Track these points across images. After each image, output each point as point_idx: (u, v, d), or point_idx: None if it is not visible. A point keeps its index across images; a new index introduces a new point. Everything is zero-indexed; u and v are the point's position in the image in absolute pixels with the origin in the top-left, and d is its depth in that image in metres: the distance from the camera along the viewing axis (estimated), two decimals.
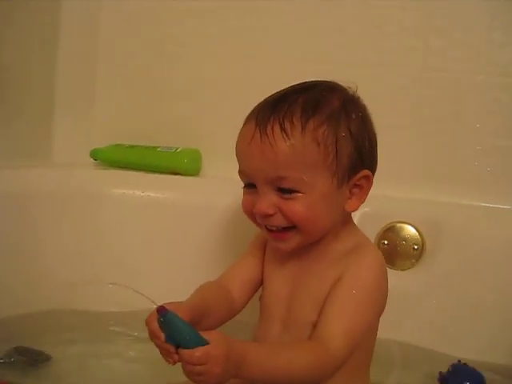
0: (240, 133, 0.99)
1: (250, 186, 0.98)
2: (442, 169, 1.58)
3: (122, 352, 1.31)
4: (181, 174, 1.68)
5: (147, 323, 0.83)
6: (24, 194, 1.45)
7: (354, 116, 0.97)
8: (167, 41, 1.79)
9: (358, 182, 0.98)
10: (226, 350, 0.79)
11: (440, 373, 1.20)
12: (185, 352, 0.78)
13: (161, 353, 0.83)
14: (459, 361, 1.21)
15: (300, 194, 0.94)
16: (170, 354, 0.80)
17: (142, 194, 1.54)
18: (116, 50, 1.82)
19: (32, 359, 1.21)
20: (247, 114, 1.00)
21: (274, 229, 0.97)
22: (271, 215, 0.95)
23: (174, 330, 0.79)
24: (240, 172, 0.99)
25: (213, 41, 1.74)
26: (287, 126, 0.92)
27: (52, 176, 1.55)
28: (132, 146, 1.76)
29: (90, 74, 1.82)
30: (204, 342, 0.78)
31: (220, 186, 1.59)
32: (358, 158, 0.97)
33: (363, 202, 1.00)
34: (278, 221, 0.96)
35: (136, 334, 1.36)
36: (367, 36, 1.62)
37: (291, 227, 0.96)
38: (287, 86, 1.01)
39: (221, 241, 1.49)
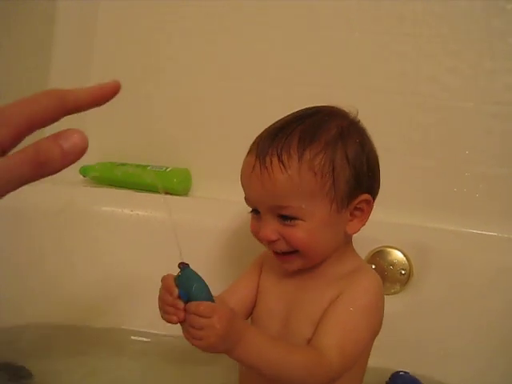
0: (243, 163, 1.03)
1: (255, 211, 1.02)
2: (430, 194, 1.59)
3: (105, 368, 1.30)
4: (170, 194, 1.67)
5: (163, 279, 0.88)
6: (11, 208, 1.44)
7: (351, 142, 0.99)
8: (159, 59, 1.80)
9: (358, 206, 1.00)
10: (232, 314, 0.84)
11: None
12: (193, 303, 0.82)
13: (165, 312, 0.86)
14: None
15: (300, 221, 0.97)
16: (178, 311, 0.84)
17: (130, 213, 1.53)
18: (107, 68, 1.83)
19: (13, 375, 1.20)
20: (243, 145, 1.04)
21: (279, 251, 1.01)
22: (274, 241, 0.99)
23: (191, 283, 0.83)
24: (245, 199, 1.03)
25: (205, 60, 1.75)
26: (284, 157, 0.95)
27: (41, 192, 1.54)
28: (122, 164, 1.76)
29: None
30: (213, 301, 0.83)
31: (209, 206, 1.59)
32: (357, 182, 0.99)
33: (364, 225, 1.03)
34: (281, 246, 1.00)
35: (124, 352, 1.36)
36: (358, 60, 1.63)
37: (294, 251, 1.00)
38: (288, 114, 1.04)
39: (209, 260, 1.49)
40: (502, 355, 1.36)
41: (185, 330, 0.85)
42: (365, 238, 1.13)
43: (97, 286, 1.48)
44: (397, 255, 1.44)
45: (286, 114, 1.05)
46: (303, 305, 1.02)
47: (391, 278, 1.42)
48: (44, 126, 0.53)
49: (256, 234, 1.02)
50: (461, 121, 1.57)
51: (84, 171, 1.78)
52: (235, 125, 1.72)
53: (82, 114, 1.78)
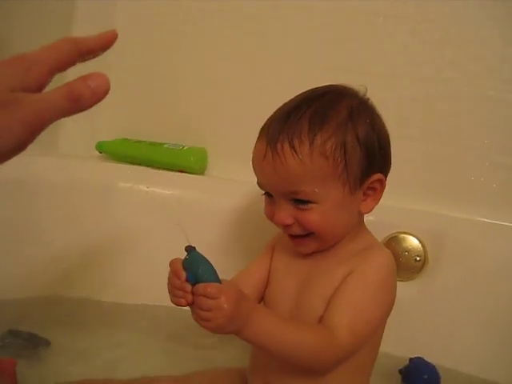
0: (254, 149, 1.02)
1: (269, 194, 1.02)
2: (448, 182, 1.58)
3: (123, 342, 1.32)
4: (186, 172, 1.67)
5: (171, 263, 0.89)
6: (27, 181, 1.46)
7: (361, 122, 0.98)
8: (177, 39, 1.79)
9: (371, 185, 1.00)
10: (239, 295, 0.85)
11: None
12: (201, 285, 0.83)
13: (174, 295, 0.87)
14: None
15: (314, 205, 0.97)
16: (186, 294, 0.85)
17: (146, 190, 1.53)
18: (126, 46, 1.81)
19: (29, 342, 1.21)
20: (260, 125, 1.03)
21: (294, 234, 1.01)
22: (289, 225, 0.99)
23: (197, 266, 0.84)
24: (258, 184, 1.03)
25: (222, 41, 1.74)
26: (296, 143, 0.94)
27: (56, 165, 1.55)
28: (138, 141, 1.76)
29: (99, 68, 1.81)
30: (220, 282, 0.84)
31: (225, 186, 1.59)
32: (369, 162, 0.98)
33: (378, 203, 1.03)
34: (296, 230, 1.00)
35: (137, 325, 1.37)
36: (381, 46, 1.61)
37: (309, 234, 1.00)
38: (296, 94, 1.03)
39: (224, 240, 1.49)
40: None
41: (193, 312, 0.85)
42: (380, 223, 1.13)
43: (111, 261, 1.49)
44: (412, 241, 1.43)
45: None
46: (315, 283, 1.02)
47: (406, 264, 1.41)
48: (66, 69, 0.65)
49: (271, 217, 1.02)
50: (482, 109, 1.56)
51: (100, 147, 1.78)
52: (253, 106, 1.70)
53: None
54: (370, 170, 0.99)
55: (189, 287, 0.85)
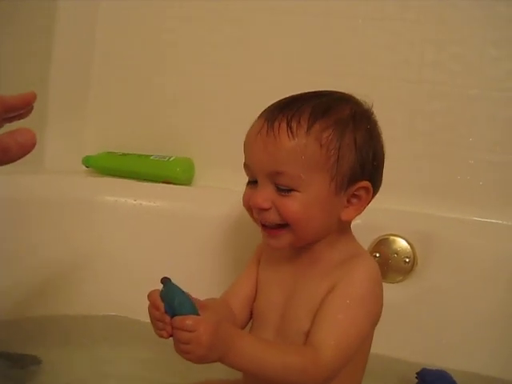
0: (251, 126, 1.02)
1: (252, 182, 1.01)
2: (434, 182, 1.58)
3: (114, 357, 1.31)
4: (173, 183, 1.67)
5: (149, 295, 0.89)
6: (15, 199, 1.45)
7: (361, 128, 0.99)
8: (161, 49, 1.79)
9: (356, 192, 0.99)
10: (217, 324, 0.83)
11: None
12: (178, 318, 0.82)
13: (156, 327, 0.87)
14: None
15: (296, 193, 0.95)
16: (166, 326, 0.85)
17: (134, 202, 1.53)
18: (110, 58, 1.82)
19: (17, 362, 1.20)
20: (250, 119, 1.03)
21: (268, 224, 0.99)
22: (266, 209, 0.97)
23: (173, 298, 0.84)
24: (244, 165, 1.02)
25: (208, 49, 1.74)
26: (294, 124, 0.95)
27: (44, 182, 1.55)
28: (124, 154, 1.76)
29: (84, 82, 1.82)
30: (197, 314, 0.83)
31: (212, 196, 1.59)
32: (360, 168, 0.98)
33: (360, 213, 1.01)
34: (272, 217, 0.97)
35: (130, 339, 1.37)
36: (363, 48, 1.62)
37: (284, 225, 0.98)
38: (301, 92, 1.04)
39: (213, 250, 1.49)
40: (506, 342, 1.36)
41: (175, 344, 0.85)
42: (369, 226, 1.13)
43: (100, 276, 1.48)
44: (401, 243, 1.43)
45: None
46: (300, 296, 1.01)
47: (395, 266, 1.42)
48: None
49: (248, 203, 1.01)
50: (465, 108, 1.57)
51: (87, 161, 1.77)
52: (238, 114, 1.70)
53: (85, 104, 1.79)
54: (360, 176, 0.98)
55: (168, 319, 0.85)
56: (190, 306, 0.84)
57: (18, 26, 1.62)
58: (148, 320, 1.40)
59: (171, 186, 1.65)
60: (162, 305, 0.85)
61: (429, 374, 1.22)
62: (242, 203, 1.46)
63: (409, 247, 1.43)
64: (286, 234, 0.99)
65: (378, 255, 1.42)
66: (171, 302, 0.84)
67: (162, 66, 1.79)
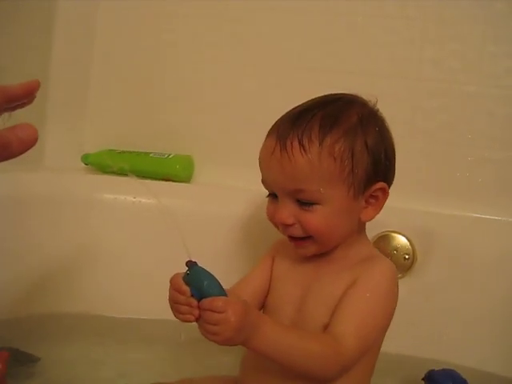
0: (263, 145, 1.02)
1: (273, 195, 1.03)
2: (433, 179, 1.59)
3: (112, 356, 1.31)
4: (173, 181, 1.67)
5: (172, 280, 0.90)
6: (15, 197, 1.45)
7: (371, 130, 1.01)
8: (160, 47, 1.79)
9: (373, 194, 1.01)
10: (246, 307, 0.85)
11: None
12: (207, 300, 0.83)
13: (180, 312, 0.87)
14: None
15: (318, 206, 0.98)
16: (193, 310, 0.85)
17: (133, 200, 1.52)
18: (109, 56, 1.82)
19: (16, 359, 1.20)
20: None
21: (294, 236, 1.02)
22: (290, 225, 1.00)
23: (202, 280, 0.84)
24: (262, 181, 1.04)
25: (207, 47, 1.74)
26: (305, 141, 0.96)
27: (43, 180, 1.55)
28: (124, 152, 1.76)
29: (83, 79, 1.82)
30: (226, 295, 0.84)
31: (212, 193, 1.59)
32: (374, 170, 1.00)
33: (378, 213, 1.04)
34: (297, 231, 1.01)
35: (127, 338, 1.37)
36: (362, 45, 1.63)
37: (308, 236, 1.01)
38: (308, 100, 1.05)
39: (212, 247, 1.48)
40: (505, 337, 1.36)
41: (201, 327, 0.86)
42: (369, 223, 1.13)
43: (100, 274, 1.48)
44: (400, 240, 1.44)
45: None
46: (319, 290, 1.03)
47: (395, 262, 1.38)
48: None
49: (272, 217, 1.03)
50: (464, 105, 1.57)
51: (86, 159, 1.77)
52: (237, 111, 1.71)
53: (84, 102, 1.78)
54: (375, 178, 1.01)
55: (195, 302, 0.85)
56: (219, 288, 0.84)
57: (18, 23, 1.62)
58: (150, 318, 1.43)
59: (170, 183, 1.65)
60: (187, 289, 0.86)
61: (437, 374, 1.21)
62: (241, 200, 1.49)
63: (408, 244, 1.43)
64: (311, 245, 1.02)
65: None
66: (200, 284, 0.84)
67: (161, 64, 1.79)
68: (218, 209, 1.51)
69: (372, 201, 1.02)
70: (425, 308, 1.41)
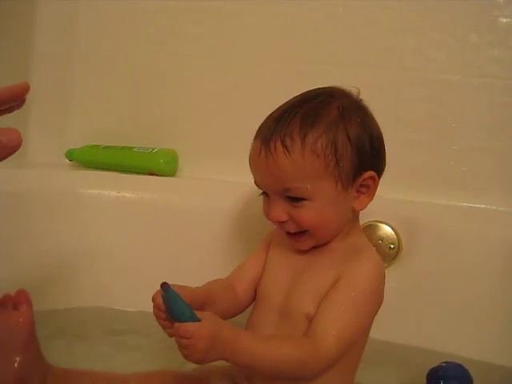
0: (251, 148, 1.04)
1: (265, 193, 1.05)
2: (418, 168, 1.60)
3: (104, 349, 1.31)
4: (157, 175, 1.67)
5: (153, 298, 0.94)
6: None
7: (352, 122, 1.01)
8: (144, 41, 1.78)
9: (363, 183, 1.03)
10: (213, 330, 0.87)
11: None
12: (177, 325, 0.87)
13: (162, 326, 0.94)
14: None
15: (307, 202, 1.00)
16: (167, 329, 0.92)
17: (117, 195, 1.52)
18: (93, 51, 1.81)
19: None
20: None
21: (290, 231, 1.04)
22: (285, 221, 1.02)
23: (172, 305, 0.89)
24: (255, 183, 1.06)
25: (190, 41, 1.74)
26: (288, 142, 0.98)
27: (27, 176, 1.54)
28: (108, 147, 1.75)
29: (67, 74, 1.81)
30: (195, 320, 0.87)
31: (196, 187, 1.59)
32: (360, 161, 1.01)
33: (372, 200, 1.06)
34: (291, 227, 1.03)
35: (115, 330, 1.37)
36: (344, 36, 1.63)
37: (304, 231, 1.03)
38: (291, 98, 1.06)
39: (197, 241, 1.49)
40: (491, 326, 1.37)
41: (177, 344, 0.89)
42: None
43: (85, 268, 1.48)
44: (386, 230, 1.44)
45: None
46: (307, 280, 1.04)
47: (380, 252, 1.40)
48: None
49: (267, 215, 1.05)
50: (447, 94, 1.58)
51: (70, 155, 1.77)
52: (221, 105, 1.71)
53: (68, 97, 1.77)
54: (362, 168, 1.02)
55: (169, 323, 0.91)
56: (189, 314, 0.88)
57: None
58: (137, 310, 1.42)
59: (155, 177, 1.65)
60: (164, 308, 0.91)
61: (447, 369, 1.20)
62: (226, 194, 1.49)
63: (393, 233, 1.44)
64: (308, 239, 1.05)
65: None
66: (170, 309, 0.89)
67: (144, 59, 1.78)
68: (203, 202, 1.51)
69: (363, 190, 1.04)
70: (410, 297, 1.41)
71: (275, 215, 1.02)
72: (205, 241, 1.50)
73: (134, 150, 1.71)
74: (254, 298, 1.13)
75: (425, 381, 1.16)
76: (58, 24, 1.79)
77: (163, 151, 1.71)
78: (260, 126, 1.04)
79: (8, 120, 1.67)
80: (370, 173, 1.03)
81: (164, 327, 0.93)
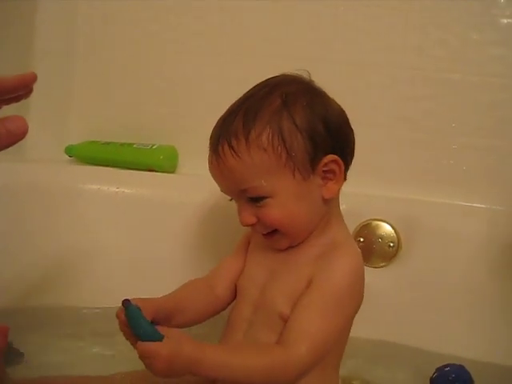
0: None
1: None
2: (417, 167, 1.59)
3: (99, 348, 1.31)
4: (157, 171, 1.66)
5: (117, 315, 0.90)
6: None
7: (297, 108, 0.97)
8: (144, 38, 1.77)
9: (325, 168, 0.98)
10: (172, 350, 0.82)
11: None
12: (138, 344, 0.83)
13: (129, 342, 0.90)
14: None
15: (270, 199, 0.97)
16: (134, 345, 0.87)
17: (116, 190, 1.52)
18: (93, 47, 1.81)
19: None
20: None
21: (263, 232, 1.02)
22: (254, 224, 1.00)
23: (133, 323, 0.86)
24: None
25: (189, 38, 1.73)
26: (234, 143, 0.95)
27: (26, 171, 1.54)
28: (107, 143, 1.74)
29: (67, 70, 1.81)
30: (157, 338, 0.83)
31: (196, 183, 1.58)
32: (315, 146, 0.96)
33: (341, 186, 1.01)
34: (262, 228, 1.01)
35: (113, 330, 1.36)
36: (345, 34, 1.62)
37: (275, 230, 1.00)
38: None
39: (196, 237, 1.49)
40: (491, 324, 1.37)
41: None
42: (353, 211, 1.13)
43: (83, 264, 1.48)
44: (385, 228, 1.44)
45: None
46: (282, 279, 1.01)
47: (379, 251, 1.42)
48: None
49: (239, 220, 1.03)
50: (448, 93, 1.57)
51: (69, 151, 1.76)
52: (221, 101, 1.70)
53: (68, 93, 1.76)
54: (320, 153, 0.97)
55: (133, 339, 0.87)
56: (150, 333, 0.85)
57: None
58: None
59: (154, 173, 1.64)
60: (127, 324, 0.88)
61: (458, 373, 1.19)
62: None
63: (393, 232, 1.43)
64: (281, 238, 1.01)
65: (362, 240, 1.43)
66: (133, 328, 0.86)
67: (145, 55, 1.78)
68: (203, 199, 1.50)
69: (329, 175, 0.99)
70: (409, 296, 1.40)
71: (243, 219, 1.00)
72: (206, 237, 1.50)
73: (134, 146, 1.71)
74: (235, 294, 1.10)
75: (425, 381, 1.15)
76: (58, 21, 1.78)
77: (163, 147, 1.70)
78: (211, 132, 1.03)
79: (8, 114, 1.68)
80: (331, 156, 0.97)
81: (131, 343, 0.89)
